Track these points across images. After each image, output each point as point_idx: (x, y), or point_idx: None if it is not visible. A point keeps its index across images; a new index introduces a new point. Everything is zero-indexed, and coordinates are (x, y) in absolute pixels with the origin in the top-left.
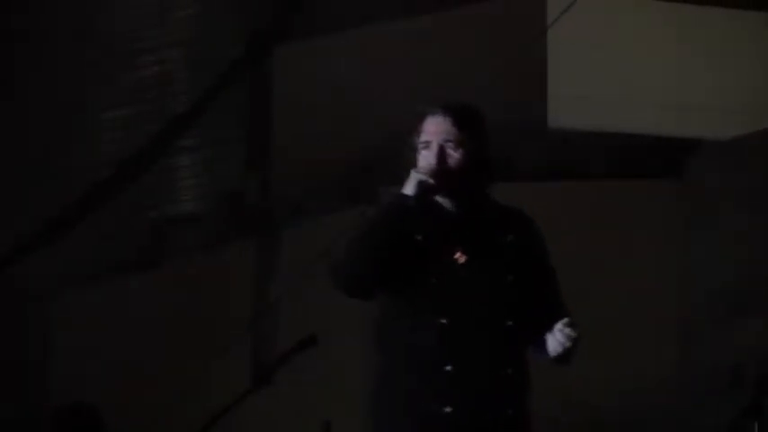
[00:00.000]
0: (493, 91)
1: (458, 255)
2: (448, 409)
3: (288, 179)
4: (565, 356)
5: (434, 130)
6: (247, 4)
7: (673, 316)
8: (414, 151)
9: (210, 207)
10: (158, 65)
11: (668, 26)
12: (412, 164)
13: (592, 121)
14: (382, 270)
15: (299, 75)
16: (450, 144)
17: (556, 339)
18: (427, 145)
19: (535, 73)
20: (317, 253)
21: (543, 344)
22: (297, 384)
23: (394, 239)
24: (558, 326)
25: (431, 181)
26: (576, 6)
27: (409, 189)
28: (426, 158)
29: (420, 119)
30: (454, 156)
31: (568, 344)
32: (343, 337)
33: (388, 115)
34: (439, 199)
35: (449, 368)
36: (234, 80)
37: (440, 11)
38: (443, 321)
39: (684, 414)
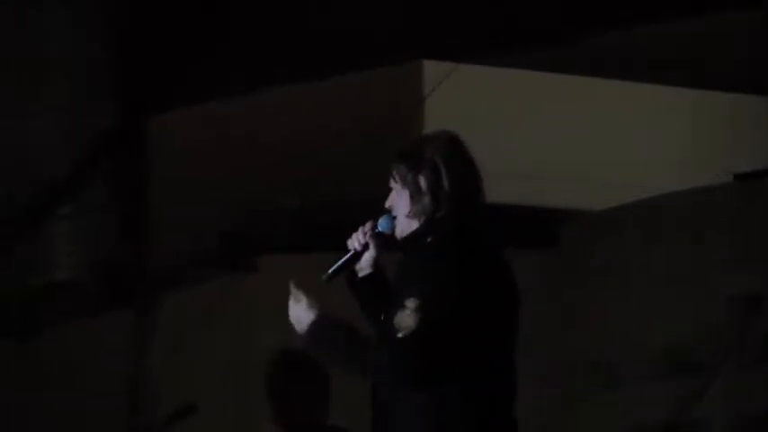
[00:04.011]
0: (369, 159)
1: None
2: None
3: (164, 247)
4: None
5: None
6: (123, 71)
7: (538, 385)
8: None
9: (86, 275)
10: (30, 132)
11: (540, 97)
12: None
13: None
14: None
15: (176, 143)
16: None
17: None
18: None
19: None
20: (194, 321)
21: None
22: None
23: None
24: None
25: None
26: (451, 78)
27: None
28: None
29: None
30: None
31: None
32: (224, 403)
33: (265, 184)
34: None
35: None
36: (109, 149)
37: (318, 79)
38: None
39: None
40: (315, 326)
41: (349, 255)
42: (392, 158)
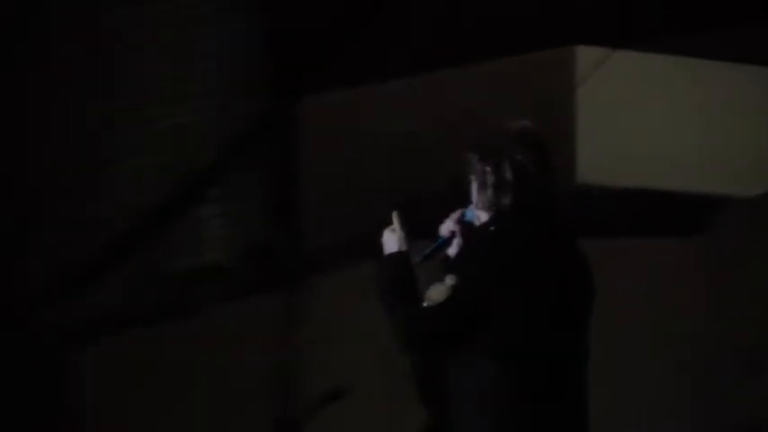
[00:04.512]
0: None
1: None
2: None
3: (315, 232)
4: None
5: None
6: (275, 55)
7: (689, 373)
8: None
9: (236, 259)
10: (184, 115)
11: (694, 83)
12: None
13: (619, 177)
14: None
15: (328, 127)
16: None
17: None
18: None
19: (564, 130)
20: (343, 306)
21: None
22: None
23: None
24: None
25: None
26: (604, 63)
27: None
28: None
29: None
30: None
31: None
32: (372, 389)
33: (417, 171)
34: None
35: None
36: (261, 132)
37: (468, 64)
38: None
39: None
40: (391, 258)
41: (440, 241)
42: (466, 149)
